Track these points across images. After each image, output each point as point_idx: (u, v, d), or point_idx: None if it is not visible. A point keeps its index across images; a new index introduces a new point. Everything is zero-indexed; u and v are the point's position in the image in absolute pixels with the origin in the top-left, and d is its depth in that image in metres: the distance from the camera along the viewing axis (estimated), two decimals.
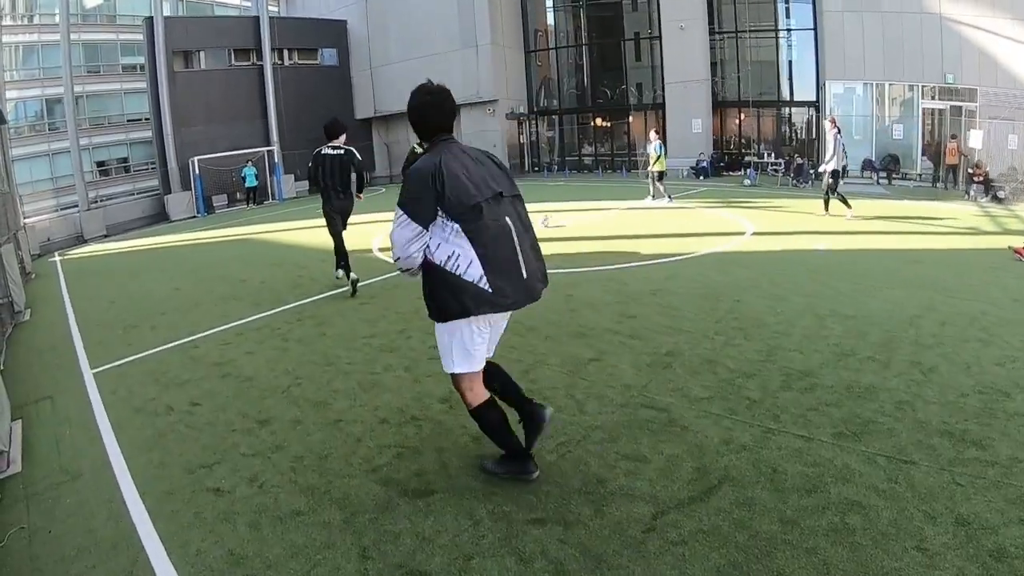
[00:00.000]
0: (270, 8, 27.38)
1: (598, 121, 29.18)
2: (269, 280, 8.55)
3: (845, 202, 12.15)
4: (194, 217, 20.97)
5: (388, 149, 29.87)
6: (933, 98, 21.25)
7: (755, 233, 10.25)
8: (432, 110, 2.92)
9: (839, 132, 12.54)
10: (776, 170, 21.78)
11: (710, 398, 3.94)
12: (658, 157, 15.25)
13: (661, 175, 15.27)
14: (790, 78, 25.66)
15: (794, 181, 20.62)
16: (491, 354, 3.08)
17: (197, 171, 21.35)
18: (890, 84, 21.53)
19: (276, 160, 23.71)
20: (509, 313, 2.95)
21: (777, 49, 25.47)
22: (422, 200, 2.70)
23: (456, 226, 2.71)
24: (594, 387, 4.23)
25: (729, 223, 11.45)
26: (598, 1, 28.48)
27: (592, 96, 28.76)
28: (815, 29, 24.11)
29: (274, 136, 24.31)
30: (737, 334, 5.12)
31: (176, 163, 22.37)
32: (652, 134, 15.98)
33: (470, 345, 2.87)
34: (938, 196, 17.69)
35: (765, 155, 23.04)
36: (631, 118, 27.49)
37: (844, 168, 13.02)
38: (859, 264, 7.71)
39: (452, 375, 2.97)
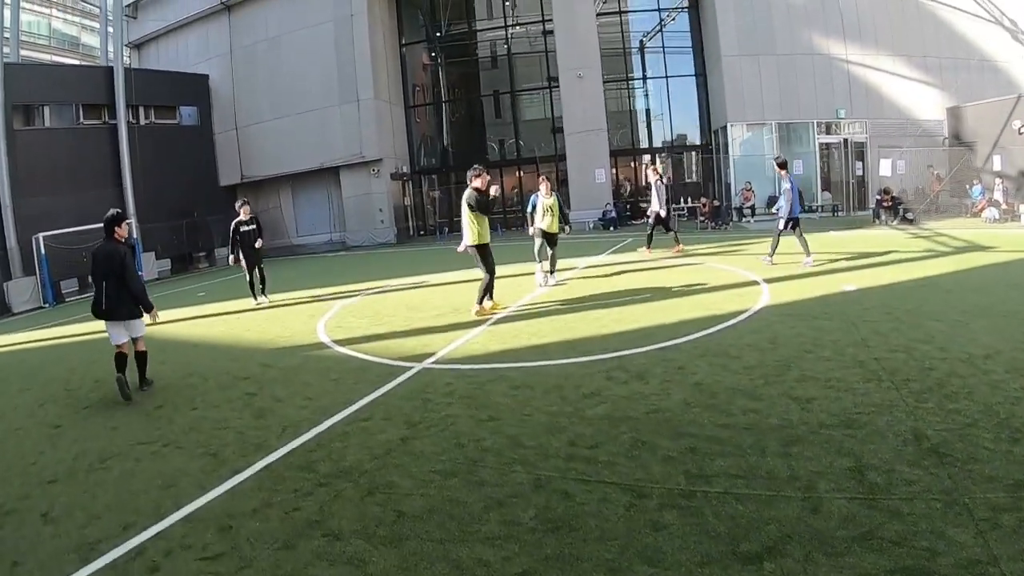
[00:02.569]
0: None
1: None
2: (205, 404, 5.70)
3: (649, 242, 13.46)
4: (41, 308, 16.54)
5: (257, 219, 26.43)
6: (827, 133, 22.27)
7: (766, 280, 9.34)
8: (104, 226, 6.11)
9: (661, 179, 13.37)
10: (680, 215, 21.44)
11: None
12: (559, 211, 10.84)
13: (553, 239, 10.75)
14: (649, 126, 26.32)
15: (713, 224, 20.32)
16: (134, 334, 6.21)
17: (43, 251, 17.02)
18: (788, 122, 22.24)
19: (134, 235, 19.84)
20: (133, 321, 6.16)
21: (668, 97, 25.85)
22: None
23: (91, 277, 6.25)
24: (936, 514, 2.96)
25: (725, 274, 10.29)
26: (482, 56, 27.66)
27: (479, 151, 27.54)
28: (702, 75, 24.70)
29: (131, 206, 20.34)
30: (940, 397, 4.33)
31: (16, 242, 17.75)
32: (544, 184, 10.79)
33: (111, 332, 6.12)
34: (854, 224, 18.09)
35: (682, 200, 22.66)
36: (520, 173, 26.61)
37: (668, 212, 13.77)
38: (906, 299, 7.56)
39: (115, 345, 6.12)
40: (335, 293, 11.85)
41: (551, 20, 24.23)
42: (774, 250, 10.74)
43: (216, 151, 25.12)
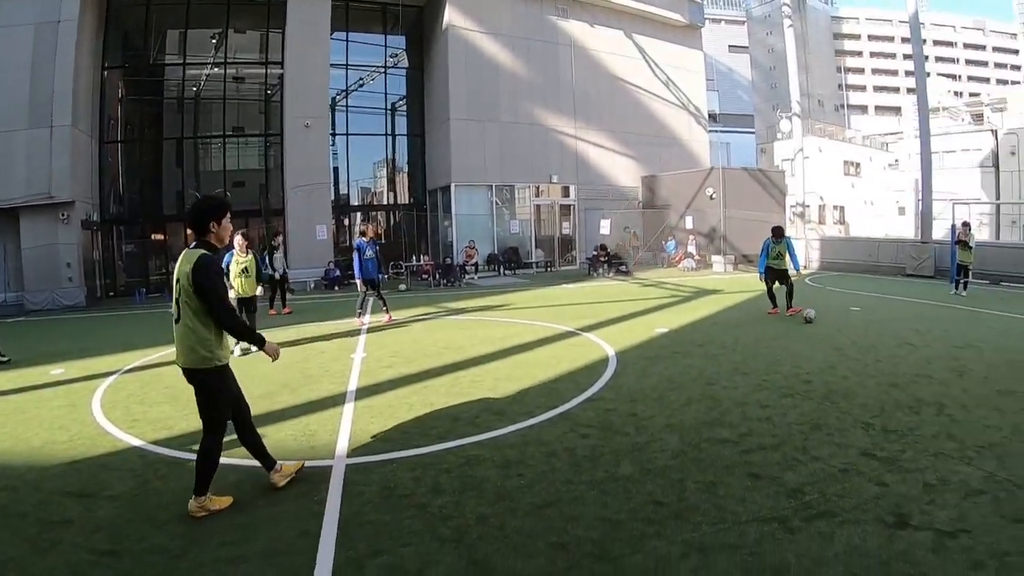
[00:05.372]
0: None
1: (189, 232, 24.44)
2: None
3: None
4: None
5: None
6: (540, 196, 24.93)
7: (581, 329, 10.06)
8: None
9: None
10: (399, 273, 21.68)
11: None
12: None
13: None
14: (338, 183, 26.26)
15: (446, 281, 20.50)
16: None
17: None
18: (506, 185, 24.25)
19: None
20: None
21: (389, 154, 26.14)
22: None
23: None
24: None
25: (524, 328, 10.41)
26: (194, 97, 24.22)
27: (174, 200, 24.08)
28: (419, 135, 25.52)
29: None
30: (844, 395, 5.42)
31: None
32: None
33: None
34: (574, 277, 20.41)
35: (415, 259, 22.65)
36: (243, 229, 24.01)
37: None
38: (719, 334, 8.99)
39: None
40: (70, 373, 8.54)
41: (275, 64, 22.80)
42: (362, 306, 11.85)
43: None
